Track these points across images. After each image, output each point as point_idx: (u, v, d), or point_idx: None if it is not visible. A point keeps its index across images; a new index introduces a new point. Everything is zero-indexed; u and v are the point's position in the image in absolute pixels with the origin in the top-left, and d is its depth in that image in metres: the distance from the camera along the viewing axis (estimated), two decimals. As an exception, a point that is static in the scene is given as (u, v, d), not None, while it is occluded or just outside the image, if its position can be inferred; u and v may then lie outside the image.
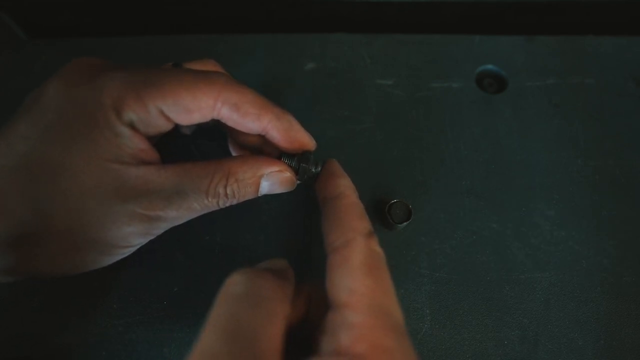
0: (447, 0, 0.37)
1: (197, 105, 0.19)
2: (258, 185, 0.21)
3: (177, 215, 0.19)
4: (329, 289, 0.16)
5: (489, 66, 0.34)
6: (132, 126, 0.18)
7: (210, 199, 0.19)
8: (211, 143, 0.29)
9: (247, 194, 0.21)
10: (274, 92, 0.31)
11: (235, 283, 0.15)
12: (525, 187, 0.28)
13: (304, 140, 0.22)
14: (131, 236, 0.19)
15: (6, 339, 0.22)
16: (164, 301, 0.24)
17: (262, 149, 0.24)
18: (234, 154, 0.26)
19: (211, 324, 0.14)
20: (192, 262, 0.25)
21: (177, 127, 0.21)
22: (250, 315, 0.14)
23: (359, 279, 0.15)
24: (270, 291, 0.15)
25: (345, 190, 0.19)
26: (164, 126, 0.19)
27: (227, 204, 0.20)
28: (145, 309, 0.23)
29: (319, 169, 0.22)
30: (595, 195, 0.28)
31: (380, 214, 0.27)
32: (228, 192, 0.20)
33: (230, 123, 0.20)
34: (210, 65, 0.25)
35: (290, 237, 0.26)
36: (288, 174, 0.21)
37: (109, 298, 0.24)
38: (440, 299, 0.24)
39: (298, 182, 0.22)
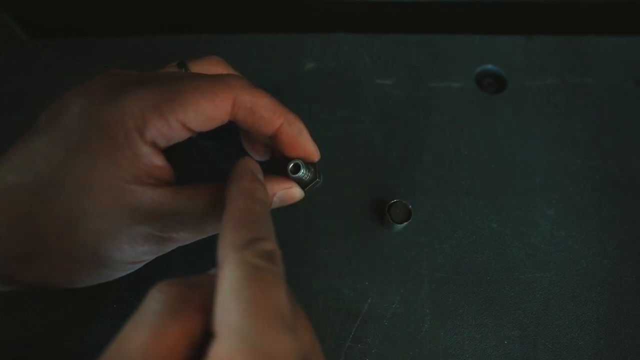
0: (447, 0, 0.37)
1: (217, 112, 0.19)
2: (270, 203, 0.21)
3: (189, 237, 0.19)
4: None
5: (489, 66, 0.34)
6: (153, 143, 0.18)
7: None
8: (211, 143, 0.29)
9: None
10: (274, 92, 0.31)
11: (146, 299, 0.14)
12: (525, 187, 0.28)
13: (310, 149, 0.22)
14: (143, 255, 0.19)
15: (6, 339, 0.22)
16: (163, 301, 0.24)
17: (272, 146, 0.24)
18: (246, 148, 0.26)
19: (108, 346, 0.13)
20: (191, 262, 0.25)
21: None
22: (134, 334, 0.13)
23: (226, 305, 0.13)
24: (166, 306, 0.14)
25: (234, 194, 0.17)
26: (183, 136, 0.20)
27: None
28: (145, 309, 0.23)
29: (319, 179, 0.23)
30: (595, 195, 0.28)
31: (380, 214, 0.27)
32: None
33: (243, 125, 0.21)
34: (214, 62, 0.25)
35: (291, 237, 0.26)
36: (298, 190, 0.22)
37: (109, 298, 0.24)
38: (440, 299, 0.24)
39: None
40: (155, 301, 0.14)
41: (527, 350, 0.23)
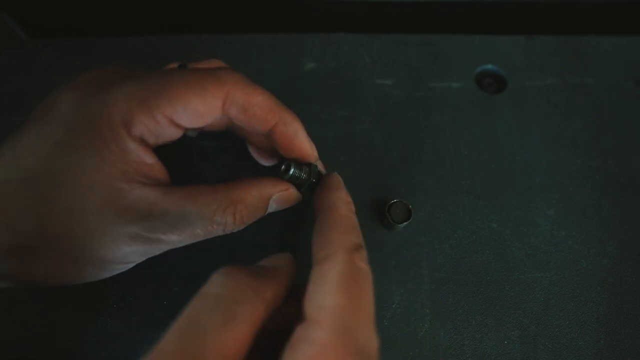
0: (447, 0, 0.37)
1: (207, 108, 0.18)
2: (266, 206, 0.21)
3: (178, 240, 0.19)
4: (303, 301, 0.15)
5: (489, 66, 0.34)
6: (142, 140, 0.18)
7: (215, 226, 0.19)
8: (211, 144, 0.29)
9: (255, 217, 0.21)
10: (274, 92, 0.31)
11: (211, 282, 0.15)
12: (525, 187, 0.28)
13: (306, 150, 0.21)
14: (131, 255, 0.19)
15: (6, 340, 0.22)
16: (164, 301, 0.24)
17: (275, 149, 0.24)
18: (252, 153, 0.26)
19: (174, 323, 0.14)
20: (191, 262, 0.25)
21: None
22: (208, 316, 0.14)
23: (331, 294, 0.15)
24: (237, 292, 0.15)
25: (337, 202, 0.19)
26: (174, 134, 0.19)
27: (234, 230, 0.20)
28: (145, 309, 0.23)
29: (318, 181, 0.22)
30: (595, 195, 0.28)
31: (380, 214, 0.27)
32: (237, 218, 0.19)
33: (237, 123, 0.20)
34: (215, 65, 0.24)
35: (291, 237, 0.26)
36: (294, 192, 0.21)
37: (109, 298, 0.24)
38: (440, 299, 0.24)
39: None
40: (225, 286, 0.15)
41: (527, 350, 0.23)
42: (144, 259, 0.20)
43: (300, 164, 0.22)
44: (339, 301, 0.14)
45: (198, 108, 0.18)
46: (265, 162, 0.26)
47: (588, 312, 0.24)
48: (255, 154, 0.26)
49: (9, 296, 0.23)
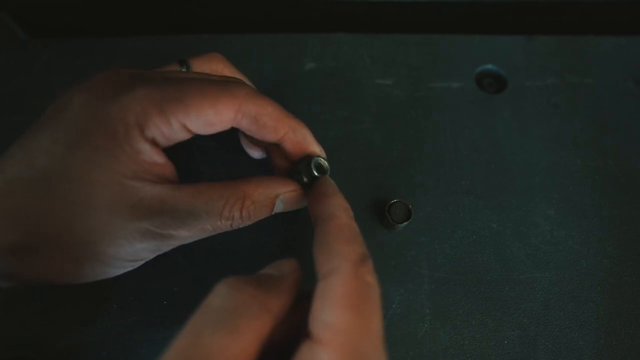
0: (447, 0, 0.37)
1: (219, 118, 0.19)
2: (273, 205, 0.21)
3: (188, 235, 0.19)
4: (308, 318, 0.15)
5: (489, 66, 0.34)
6: (153, 141, 0.18)
7: (223, 221, 0.19)
8: (212, 143, 0.29)
9: (262, 215, 0.21)
10: (274, 92, 0.31)
11: (215, 294, 0.15)
12: (525, 187, 0.28)
13: (315, 153, 0.22)
14: (141, 252, 0.19)
15: (6, 339, 0.22)
16: (164, 301, 0.24)
17: (272, 151, 0.24)
18: (244, 146, 0.27)
19: (177, 336, 0.13)
20: (192, 262, 0.25)
21: None
22: (211, 331, 0.13)
23: (338, 312, 0.14)
24: (243, 305, 0.14)
25: (335, 210, 0.18)
26: (184, 137, 0.20)
27: (241, 226, 0.20)
28: (145, 309, 0.23)
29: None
30: (595, 195, 0.28)
31: (380, 214, 0.27)
32: (244, 214, 0.20)
33: (248, 133, 0.21)
34: (215, 60, 0.25)
35: (292, 238, 0.26)
36: (302, 193, 0.22)
37: (109, 298, 0.24)
38: (440, 299, 0.24)
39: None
40: (230, 298, 0.14)
41: (527, 350, 0.23)
42: (154, 255, 0.20)
43: (309, 167, 0.22)
44: (346, 320, 0.14)
45: (211, 118, 0.19)
46: (256, 154, 0.27)
47: (588, 312, 0.24)
48: (246, 146, 0.27)
49: (9, 296, 0.23)
